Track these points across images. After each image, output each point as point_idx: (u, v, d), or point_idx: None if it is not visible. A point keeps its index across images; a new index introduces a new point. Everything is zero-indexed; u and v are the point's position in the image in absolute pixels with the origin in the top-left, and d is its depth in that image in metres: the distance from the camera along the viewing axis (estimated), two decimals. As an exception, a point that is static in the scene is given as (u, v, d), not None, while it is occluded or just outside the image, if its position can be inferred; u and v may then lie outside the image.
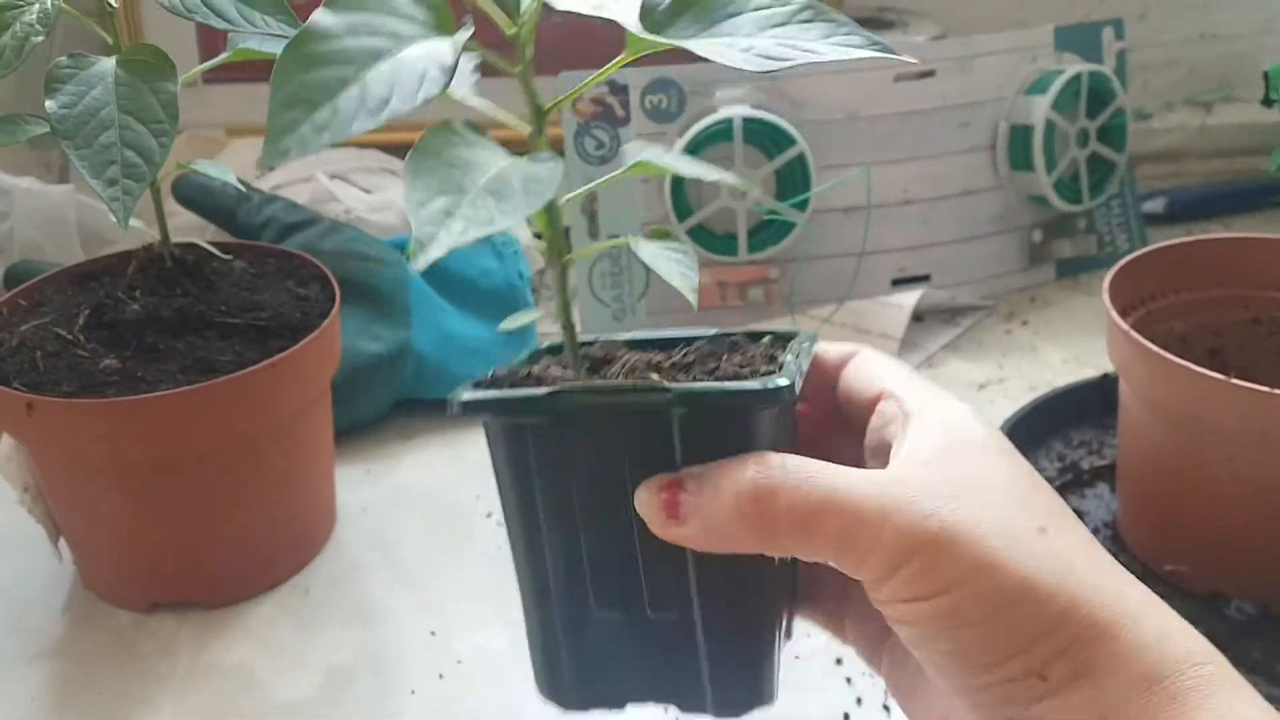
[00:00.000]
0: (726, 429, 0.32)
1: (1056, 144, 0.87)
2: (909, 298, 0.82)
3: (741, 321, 0.83)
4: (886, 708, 0.53)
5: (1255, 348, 0.65)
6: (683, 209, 0.83)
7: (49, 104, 0.49)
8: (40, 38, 0.51)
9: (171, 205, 0.78)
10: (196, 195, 0.79)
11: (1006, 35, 0.87)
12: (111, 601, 0.61)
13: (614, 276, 0.86)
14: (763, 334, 0.39)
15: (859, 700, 0.54)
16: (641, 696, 0.36)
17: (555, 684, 0.36)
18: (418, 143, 0.30)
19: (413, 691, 0.56)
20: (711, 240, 0.84)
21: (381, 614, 0.61)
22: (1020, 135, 0.87)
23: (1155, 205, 1.02)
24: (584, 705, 0.36)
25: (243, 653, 0.59)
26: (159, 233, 0.60)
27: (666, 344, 0.39)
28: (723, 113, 0.80)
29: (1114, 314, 0.57)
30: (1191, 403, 0.53)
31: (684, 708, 0.36)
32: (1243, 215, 1.04)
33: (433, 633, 0.59)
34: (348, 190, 0.84)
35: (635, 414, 0.32)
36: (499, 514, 0.69)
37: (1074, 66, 0.87)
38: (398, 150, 0.95)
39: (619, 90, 0.82)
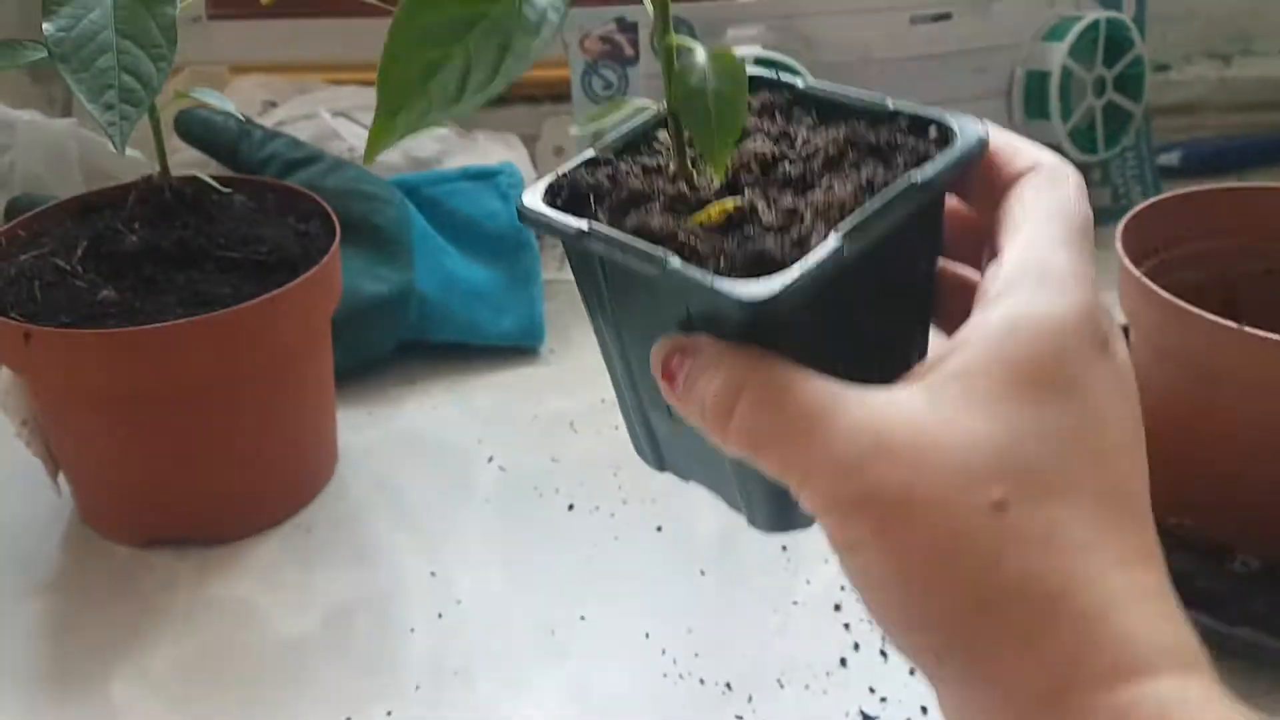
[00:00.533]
0: (721, 312, 0.30)
1: (1073, 92, 0.85)
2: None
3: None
4: (884, 653, 0.53)
5: (1270, 300, 0.63)
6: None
7: (46, 26, 0.48)
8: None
9: (174, 142, 0.77)
10: (199, 131, 0.78)
11: (1025, -21, 0.85)
12: (110, 536, 0.61)
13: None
14: (928, 122, 0.34)
15: (856, 645, 0.54)
16: (701, 481, 0.39)
17: (639, 449, 0.40)
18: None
19: (412, 630, 0.56)
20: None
21: (383, 554, 0.61)
22: (1036, 82, 0.85)
23: (1170, 158, 1.00)
24: (661, 468, 0.40)
25: (243, 589, 0.58)
26: (159, 165, 0.59)
27: (828, 110, 0.36)
28: (734, 52, 0.78)
29: (1126, 260, 0.56)
30: (1202, 350, 0.52)
31: (730, 505, 0.37)
32: (1259, 170, 1.03)
33: (433, 573, 0.59)
34: (351, 128, 0.83)
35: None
36: (500, 459, 0.69)
37: (1092, 13, 0.85)
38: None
39: (628, 28, 0.81)
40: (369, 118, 0.88)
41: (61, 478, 0.63)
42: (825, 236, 0.30)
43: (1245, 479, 0.55)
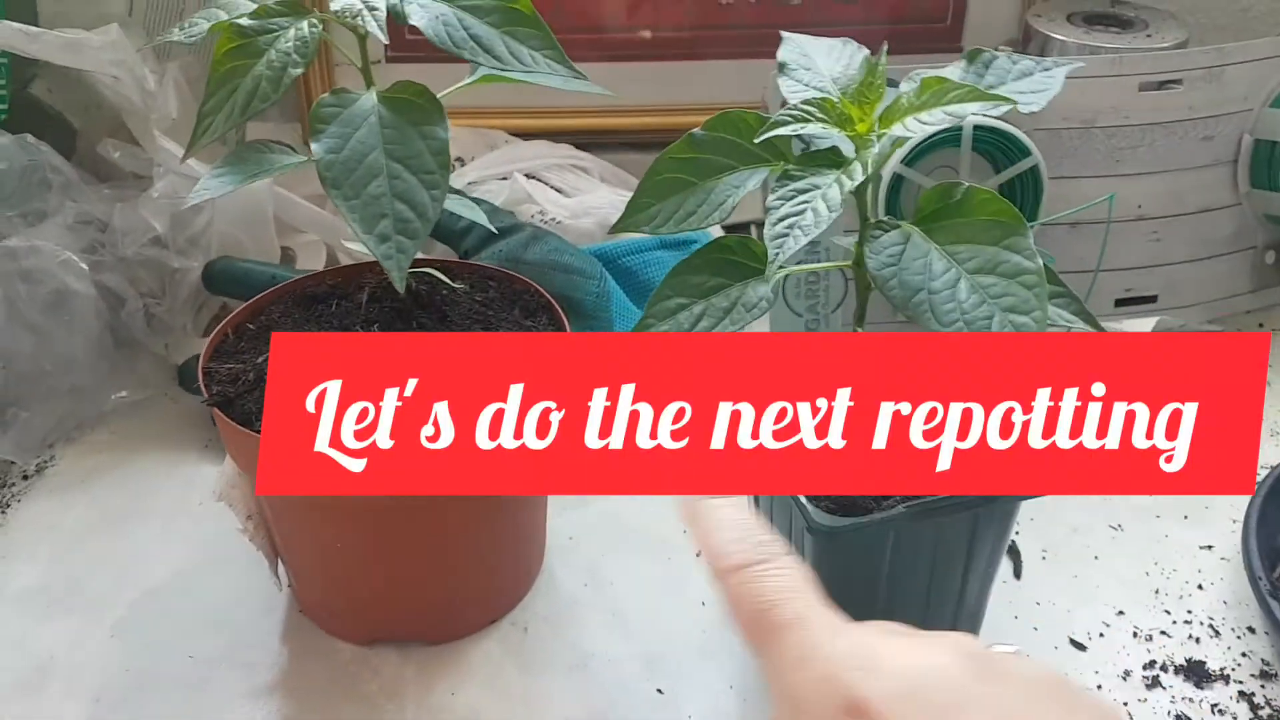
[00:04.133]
0: None
1: (1305, 161, 0.80)
2: (1143, 325, 0.77)
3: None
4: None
5: None
6: (898, 216, 0.78)
7: (315, 148, 0.46)
8: (299, 69, 0.48)
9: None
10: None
11: (1260, 43, 0.79)
12: (332, 632, 0.60)
13: (809, 285, 0.82)
14: None
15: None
16: None
17: None
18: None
19: (650, 758, 0.54)
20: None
21: (602, 662, 0.59)
22: (1264, 151, 0.80)
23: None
24: None
25: (470, 695, 0.57)
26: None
27: None
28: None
29: None
30: None
31: None
32: None
33: (660, 690, 0.57)
34: (544, 191, 0.81)
35: None
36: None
37: (1331, 76, 0.79)
38: (588, 142, 0.92)
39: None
40: (557, 177, 0.86)
41: (281, 570, 0.62)
42: None
43: None
